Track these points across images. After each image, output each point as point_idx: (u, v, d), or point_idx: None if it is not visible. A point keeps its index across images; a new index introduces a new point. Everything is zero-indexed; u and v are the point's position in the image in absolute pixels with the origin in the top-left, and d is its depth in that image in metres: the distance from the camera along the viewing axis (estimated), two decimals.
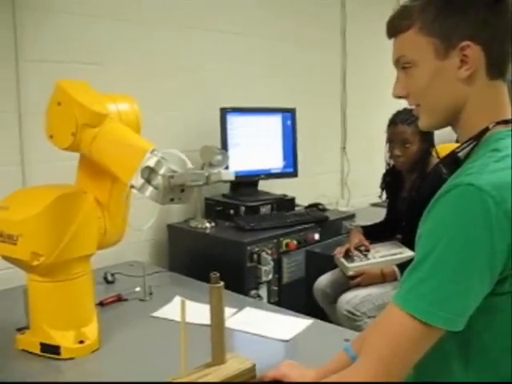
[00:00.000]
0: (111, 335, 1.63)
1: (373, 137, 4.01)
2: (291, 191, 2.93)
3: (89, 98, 1.48)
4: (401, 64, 1.06)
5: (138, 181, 1.31)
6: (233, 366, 1.27)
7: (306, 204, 3.01)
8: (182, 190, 1.36)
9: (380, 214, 3.38)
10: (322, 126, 3.56)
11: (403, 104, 2.47)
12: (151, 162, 1.31)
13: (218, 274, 1.28)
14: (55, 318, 1.50)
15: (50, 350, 1.48)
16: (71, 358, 1.48)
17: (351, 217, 2.92)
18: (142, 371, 1.43)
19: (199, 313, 1.55)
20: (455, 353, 1.00)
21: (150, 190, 1.31)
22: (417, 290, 0.93)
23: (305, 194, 3.05)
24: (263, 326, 1.70)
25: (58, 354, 1.48)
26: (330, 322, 2.18)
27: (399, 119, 2.37)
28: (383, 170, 3.68)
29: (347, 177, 3.80)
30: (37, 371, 1.45)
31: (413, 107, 1.13)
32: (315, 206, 2.96)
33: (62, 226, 1.45)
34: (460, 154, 1.06)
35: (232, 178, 1.37)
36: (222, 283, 1.28)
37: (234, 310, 1.82)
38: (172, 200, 1.34)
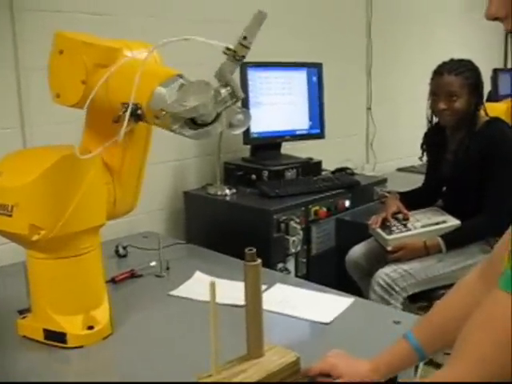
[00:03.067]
0: (124, 318, 1.42)
1: (399, 97, 3.75)
2: (313, 155, 2.68)
3: (96, 39, 1.24)
4: None
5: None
6: (273, 359, 1.05)
7: (330, 169, 2.77)
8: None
9: (408, 180, 3.15)
10: (345, 85, 3.28)
11: (432, 63, 2.26)
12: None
13: (255, 250, 1.05)
14: (60, 300, 1.28)
15: (55, 337, 1.27)
16: (79, 347, 1.28)
17: (383, 182, 2.68)
18: (161, 361, 1.23)
19: (223, 291, 1.31)
20: None
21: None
22: None
23: (328, 158, 2.80)
24: (299, 307, 1.49)
25: (64, 342, 1.27)
26: (363, 296, 1.97)
27: (446, 69, 2.11)
28: (409, 133, 3.42)
29: (373, 140, 3.53)
30: (40, 362, 1.25)
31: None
32: (343, 170, 2.72)
33: (66, 194, 1.23)
34: None
35: None
36: (259, 260, 1.05)
37: (263, 287, 1.59)
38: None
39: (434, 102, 2.14)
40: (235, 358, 1.06)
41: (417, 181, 2.75)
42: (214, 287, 0.98)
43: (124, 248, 1.92)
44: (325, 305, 1.50)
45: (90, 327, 1.30)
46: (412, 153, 3.78)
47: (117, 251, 1.91)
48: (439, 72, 2.13)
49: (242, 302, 1.48)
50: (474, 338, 0.77)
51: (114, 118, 1.13)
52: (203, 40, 1.11)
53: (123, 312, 1.44)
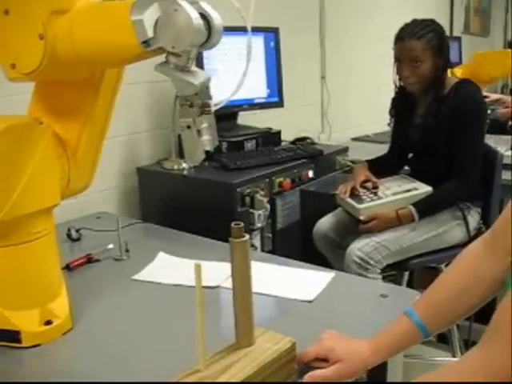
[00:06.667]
0: (85, 309, 1.26)
1: (351, 65, 3.66)
2: (267, 125, 2.55)
3: None
4: None
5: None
6: (266, 346, 0.93)
7: (287, 139, 2.64)
8: None
9: (363, 149, 3.09)
10: (299, 53, 3.15)
11: (381, 31, 2.16)
12: None
13: (242, 225, 0.92)
14: (11, 294, 1.11)
15: (8, 336, 1.10)
16: (36, 345, 1.12)
17: (344, 151, 2.58)
18: (133, 356, 1.08)
19: (190, 272, 1.19)
20: None
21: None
22: None
23: (283, 129, 2.67)
24: (278, 285, 1.37)
25: (19, 341, 1.10)
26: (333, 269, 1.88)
27: (406, 33, 2.00)
28: (363, 102, 3.33)
29: (327, 109, 3.43)
30: None
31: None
32: (302, 139, 2.60)
33: (13, 171, 1.06)
34: None
35: None
36: (247, 236, 0.92)
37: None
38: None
39: (399, 68, 2.05)
40: (224, 348, 0.93)
41: (372, 150, 2.71)
42: (200, 270, 0.85)
43: (77, 231, 1.75)
44: (305, 282, 1.39)
45: (48, 322, 1.14)
46: (366, 122, 3.74)
47: (69, 235, 1.73)
48: (400, 37, 2.02)
49: (213, 283, 1.37)
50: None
51: None
52: None
53: (83, 302, 1.28)
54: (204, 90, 1.04)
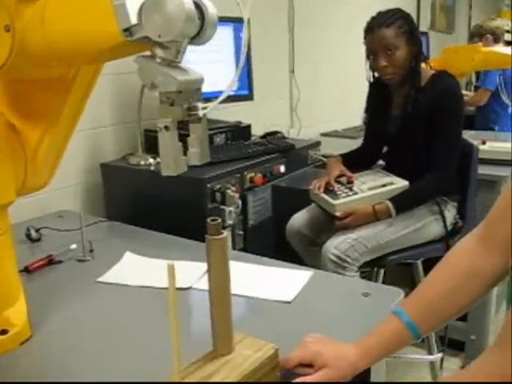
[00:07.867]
0: (46, 315, 1.17)
1: (319, 60, 3.61)
2: (237, 119, 2.47)
3: None
4: None
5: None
6: (247, 354, 0.85)
7: (257, 134, 2.57)
8: None
9: (332, 144, 3.04)
10: (267, 45, 3.08)
11: (350, 24, 2.11)
12: None
13: (220, 220, 0.84)
14: None
15: None
16: None
17: (316, 145, 2.51)
18: (100, 366, 0.99)
19: (160, 272, 1.10)
20: None
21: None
22: None
23: (252, 123, 2.59)
24: (253, 285, 1.29)
25: None
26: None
27: (375, 24, 1.95)
28: (331, 98, 3.26)
29: (297, 104, 3.37)
30: None
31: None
32: (273, 134, 2.53)
33: None
34: None
35: None
36: (225, 233, 0.84)
37: (205, 264, 1.38)
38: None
39: (373, 61, 1.99)
40: (200, 356, 0.85)
41: (342, 145, 2.68)
42: (173, 270, 0.76)
43: (37, 231, 1.64)
44: (282, 281, 1.32)
45: (4, 331, 1.04)
46: (334, 118, 3.70)
47: (28, 235, 1.62)
48: (370, 28, 1.96)
49: (185, 284, 1.29)
50: None
51: None
52: None
53: (43, 307, 1.19)
54: (193, 91, 0.92)
